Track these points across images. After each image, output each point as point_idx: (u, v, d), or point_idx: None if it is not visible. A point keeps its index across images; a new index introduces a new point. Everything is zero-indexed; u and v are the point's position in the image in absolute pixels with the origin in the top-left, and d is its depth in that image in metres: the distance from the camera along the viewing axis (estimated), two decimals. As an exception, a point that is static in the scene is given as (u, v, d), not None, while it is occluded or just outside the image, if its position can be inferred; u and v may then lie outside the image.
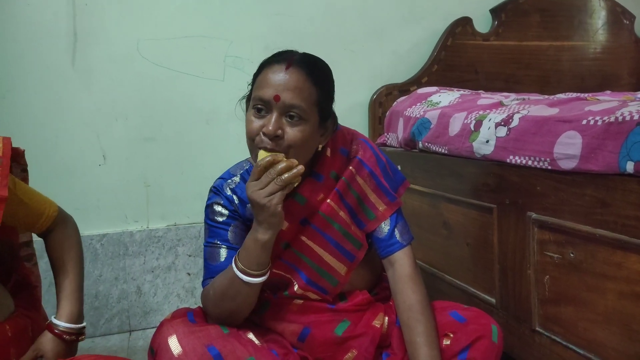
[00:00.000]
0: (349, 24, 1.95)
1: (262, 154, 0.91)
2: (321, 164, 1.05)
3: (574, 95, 1.86)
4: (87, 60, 1.68)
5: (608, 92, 2.02)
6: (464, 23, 2.06)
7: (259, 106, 0.94)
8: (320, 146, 1.01)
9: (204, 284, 1.03)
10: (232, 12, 1.81)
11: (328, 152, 1.06)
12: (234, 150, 1.44)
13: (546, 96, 1.73)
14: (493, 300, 1.31)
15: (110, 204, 1.72)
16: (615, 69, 2.31)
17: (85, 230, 1.68)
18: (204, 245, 1.06)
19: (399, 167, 1.74)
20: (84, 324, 1.05)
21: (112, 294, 1.72)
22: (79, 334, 1.04)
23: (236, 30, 1.81)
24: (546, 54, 2.20)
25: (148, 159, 1.75)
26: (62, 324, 1.01)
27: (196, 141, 1.79)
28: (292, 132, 0.93)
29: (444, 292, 1.53)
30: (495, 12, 2.13)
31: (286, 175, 0.88)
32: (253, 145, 0.96)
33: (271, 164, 0.88)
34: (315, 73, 0.96)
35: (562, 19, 2.22)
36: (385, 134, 1.90)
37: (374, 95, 1.98)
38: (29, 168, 1.59)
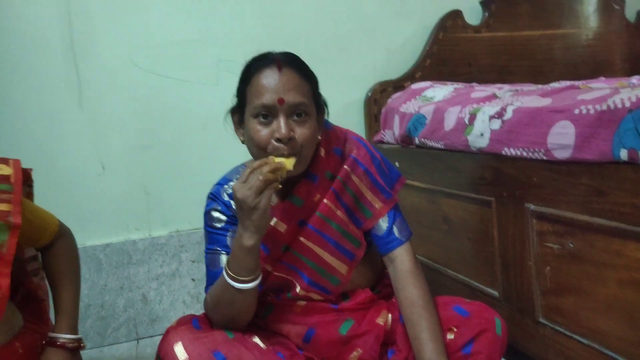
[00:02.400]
0: (340, 22, 1.95)
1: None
2: (315, 165, 1.05)
3: (567, 83, 1.87)
4: (81, 71, 1.68)
5: (602, 78, 2.02)
6: (455, 16, 2.06)
7: (264, 113, 0.94)
8: (319, 137, 1.03)
9: (206, 290, 1.04)
10: (223, 15, 1.81)
11: (322, 153, 1.06)
12: (232, 155, 1.43)
13: (539, 86, 1.73)
14: (496, 293, 1.32)
15: (111, 214, 1.73)
16: (608, 54, 2.31)
17: (87, 241, 1.70)
18: (205, 252, 1.06)
19: (397, 164, 1.76)
20: (80, 335, 1.06)
21: (118, 303, 1.73)
22: (80, 342, 1.05)
23: (228, 34, 1.81)
24: (538, 44, 2.19)
25: (147, 166, 1.76)
26: (62, 335, 1.02)
27: (194, 147, 1.80)
28: (302, 132, 0.95)
29: (446, 287, 1.54)
30: (485, 3, 2.13)
31: (265, 168, 0.87)
32: (265, 155, 0.95)
33: (260, 165, 0.88)
34: (303, 68, 0.98)
35: (552, 7, 2.21)
36: (382, 131, 1.90)
37: (368, 92, 1.98)
38: (30, 182, 1.60)
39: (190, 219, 1.80)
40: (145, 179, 1.76)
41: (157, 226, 1.78)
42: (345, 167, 1.06)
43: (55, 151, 1.67)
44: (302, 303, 1.06)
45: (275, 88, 0.93)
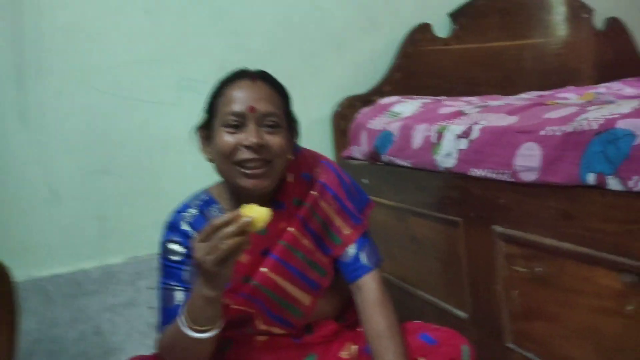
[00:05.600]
0: (306, 37, 1.90)
1: (245, 210, 0.79)
2: (283, 191, 1.01)
3: (535, 95, 1.85)
4: (31, 93, 1.58)
5: (572, 87, 2.01)
6: (424, 29, 2.03)
7: (232, 121, 0.91)
8: (290, 157, 0.99)
9: (159, 328, 0.97)
10: (184, 33, 1.74)
11: (290, 178, 1.02)
12: (192, 177, 1.37)
13: (508, 99, 1.70)
14: (465, 316, 1.27)
15: (61, 242, 1.63)
16: (577, 63, 2.30)
17: (35, 272, 1.60)
18: (159, 286, 1.00)
19: (367, 181, 1.70)
20: None
21: (69, 337, 1.62)
22: None
23: (189, 52, 1.74)
24: (508, 54, 2.18)
25: (101, 191, 1.66)
26: None
27: (152, 169, 1.71)
28: (274, 140, 0.92)
29: (415, 308, 1.49)
30: (453, 16, 2.11)
31: (231, 240, 0.76)
32: (229, 163, 0.92)
33: (224, 225, 0.77)
34: (277, 84, 0.98)
35: (521, 17, 2.20)
36: (351, 146, 1.85)
37: (336, 107, 1.93)
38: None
39: (148, 244, 1.68)
40: (99, 205, 1.66)
41: (112, 253, 1.68)
42: (313, 193, 1.02)
43: (3, 176, 1.56)
44: (263, 338, 1.01)
45: (246, 97, 0.92)
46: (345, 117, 1.92)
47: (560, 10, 2.28)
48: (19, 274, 1.55)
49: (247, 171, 0.91)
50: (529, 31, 2.21)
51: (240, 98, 0.92)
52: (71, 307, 1.62)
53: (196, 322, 0.84)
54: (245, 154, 0.90)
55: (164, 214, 1.04)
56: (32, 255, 1.59)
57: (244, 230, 0.77)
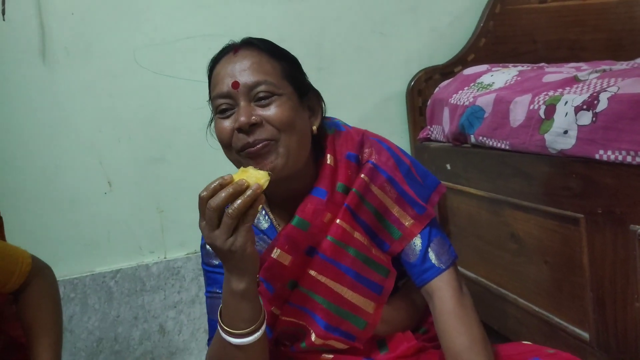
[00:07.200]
0: (375, 3, 1.68)
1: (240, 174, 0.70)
2: (323, 176, 0.84)
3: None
4: (80, 77, 1.50)
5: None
6: (514, -16, 1.76)
7: (222, 106, 0.79)
8: (315, 128, 0.84)
9: (208, 343, 0.87)
10: (239, 4, 1.58)
11: (329, 160, 0.85)
12: None
13: (629, 63, 1.39)
14: (586, 335, 1.03)
15: (121, 236, 1.55)
16: None
17: (96, 267, 1.54)
18: (205, 295, 0.90)
19: (448, 167, 1.47)
20: None
21: (133, 336, 1.55)
22: None
23: (245, 24, 1.57)
24: (616, 12, 1.85)
25: (159, 181, 1.56)
26: None
27: (211, 156, 1.57)
28: (270, 112, 0.77)
29: (516, 319, 1.25)
30: (550, -33, 1.80)
31: (238, 202, 0.66)
32: (232, 153, 0.80)
33: (214, 192, 0.67)
34: (269, 47, 0.82)
35: (631, -35, 1.86)
36: (429, 126, 1.62)
37: (411, 81, 1.71)
38: (22, 204, 1.45)
39: (209, 238, 1.60)
40: (158, 195, 1.57)
41: (173, 247, 1.59)
42: (361, 176, 0.84)
43: (57, 168, 1.50)
44: (329, 356, 0.87)
45: (229, 73, 0.78)
46: (422, 92, 1.71)
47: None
48: (81, 269, 1.52)
49: (249, 150, 0.77)
50: (641, -18, 1.87)
51: (223, 76, 0.79)
52: (134, 305, 1.55)
53: (232, 326, 0.73)
54: (241, 140, 0.77)
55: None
56: (92, 250, 1.53)
57: (239, 191, 0.67)
